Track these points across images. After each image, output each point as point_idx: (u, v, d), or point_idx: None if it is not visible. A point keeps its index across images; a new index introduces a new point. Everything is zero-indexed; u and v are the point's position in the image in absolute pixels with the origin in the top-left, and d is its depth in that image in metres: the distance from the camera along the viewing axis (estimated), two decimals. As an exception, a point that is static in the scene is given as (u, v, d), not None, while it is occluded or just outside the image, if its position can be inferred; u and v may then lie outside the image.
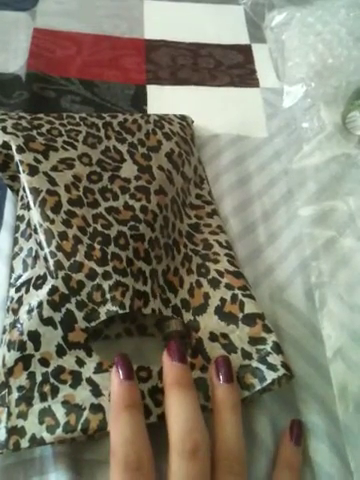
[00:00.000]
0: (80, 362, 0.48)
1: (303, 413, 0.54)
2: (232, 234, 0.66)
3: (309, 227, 0.69)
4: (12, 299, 0.53)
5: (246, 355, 0.50)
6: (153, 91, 0.84)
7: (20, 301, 0.51)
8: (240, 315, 0.53)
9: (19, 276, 0.54)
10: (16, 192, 0.62)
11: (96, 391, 0.46)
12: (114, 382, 0.45)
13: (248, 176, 0.74)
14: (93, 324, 0.48)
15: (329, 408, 0.54)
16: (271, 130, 0.80)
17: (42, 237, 0.51)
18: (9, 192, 0.64)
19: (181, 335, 0.55)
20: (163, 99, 0.83)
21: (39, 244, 0.52)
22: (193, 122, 0.76)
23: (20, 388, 0.47)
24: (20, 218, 0.58)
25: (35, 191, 0.53)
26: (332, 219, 0.70)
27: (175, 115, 0.74)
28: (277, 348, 0.51)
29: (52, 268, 0.49)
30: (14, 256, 0.57)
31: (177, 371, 0.46)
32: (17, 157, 0.56)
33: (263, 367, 0.49)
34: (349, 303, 0.62)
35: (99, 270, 0.50)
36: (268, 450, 0.50)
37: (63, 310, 0.48)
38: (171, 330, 0.55)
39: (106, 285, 0.50)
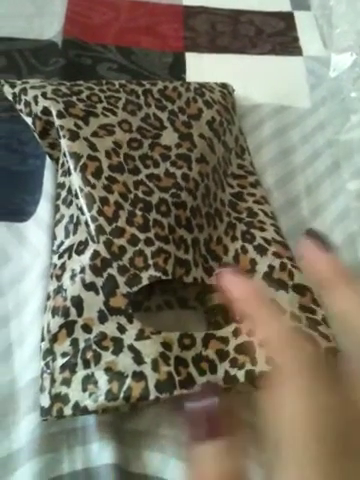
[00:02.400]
0: (121, 328, 0.49)
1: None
2: (275, 207, 0.66)
3: (356, 201, 0.68)
4: (55, 266, 0.54)
5: (296, 318, 0.50)
6: (192, 59, 0.83)
7: (63, 267, 0.52)
8: (290, 283, 0.53)
9: (61, 243, 0.55)
10: (55, 160, 0.63)
11: (138, 358, 0.47)
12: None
13: (291, 148, 0.73)
14: (135, 289, 0.49)
15: None
16: (315, 100, 0.79)
17: (83, 202, 0.52)
18: (48, 161, 0.65)
19: (223, 308, 0.55)
20: (202, 67, 0.82)
21: (80, 209, 0.52)
22: (234, 91, 0.76)
23: (64, 354, 0.48)
24: (61, 185, 0.59)
25: (76, 156, 0.54)
26: (380, 193, 0.69)
27: (216, 83, 0.74)
28: (326, 322, 0.51)
29: (93, 233, 0.50)
30: (56, 223, 0.58)
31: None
32: (57, 122, 0.57)
33: (315, 334, 0.49)
34: None
35: (141, 236, 0.51)
36: None
37: (105, 275, 0.49)
38: (213, 303, 0.56)
39: (148, 251, 0.50)
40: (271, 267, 0.54)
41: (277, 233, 0.58)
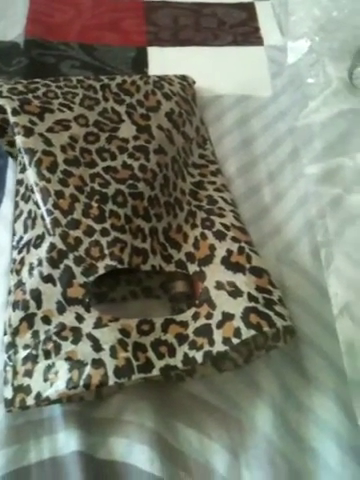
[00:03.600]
0: (80, 318, 0.49)
1: (309, 370, 0.54)
2: (237, 195, 0.66)
3: (315, 185, 0.69)
4: (15, 261, 0.55)
5: (252, 299, 0.51)
6: (154, 53, 0.84)
7: (22, 262, 0.53)
8: (247, 266, 0.54)
9: (21, 238, 0.56)
10: (15, 158, 0.64)
11: (97, 346, 0.48)
12: None
13: (252, 136, 0.74)
14: (91, 278, 0.50)
15: (336, 365, 0.55)
16: (276, 88, 0.80)
17: (38, 196, 0.52)
18: (10, 160, 0.66)
19: (187, 295, 0.56)
20: (165, 61, 0.83)
21: (36, 203, 0.53)
22: (195, 83, 0.76)
23: (25, 347, 0.49)
24: (19, 182, 0.60)
25: (30, 151, 0.55)
26: (339, 176, 0.69)
27: (175, 75, 0.74)
28: (282, 302, 0.52)
29: (49, 226, 0.51)
30: (15, 219, 0.59)
31: None
32: (12, 119, 0.57)
33: (271, 313, 0.50)
34: (356, 260, 0.62)
35: (97, 227, 0.52)
36: (273, 403, 0.52)
37: (62, 266, 0.50)
38: (177, 291, 0.57)
39: (104, 241, 0.51)
40: (229, 251, 0.55)
41: (236, 219, 0.59)
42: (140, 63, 0.82)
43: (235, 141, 0.73)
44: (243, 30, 0.89)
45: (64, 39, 0.84)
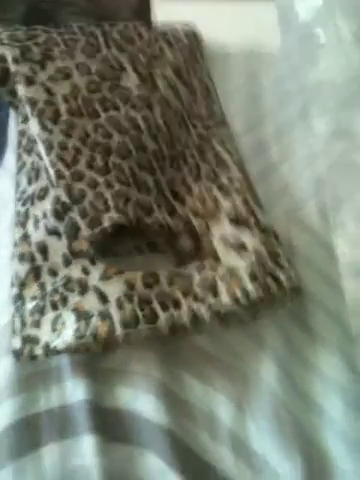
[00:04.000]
0: (85, 270, 0.49)
1: (314, 327, 0.54)
2: (244, 152, 0.64)
3: (325, 143, 0.67)
4: (19, 213, 0.54)
5: (260, 256, 0.51)
6: (158, 2, 0.80)
7: (27, 214, 0.52)
8: (252, 220, 0.53)
9: (24, 190, 0.55)
10: (16, 108, 0.62)
11: (103, 298, 0.48)
12: None
13: (261, 93, 0.72)
14: (96, 231, 0.49)
15: (342, 323, 0.55)
16: (286, 45, 0.77)
17: (41, 147, 0.51)
18: (13, 112, 0.64)
19: (191, 250, 0.55)
20: (169, 11, 0.79)
21: (39, 155, 0.52)
22: (199, 32, 0.73)
23: (33, 298, 0.49)
24: (21, 133, 0.58)
25: (32, 101, 0.53)
26: (349, 132, 0.68)
27: (179, 23, 0.71)
28: (290, 261, 0.52)
29: (53, 178, 0.50)
30: (18, 171, 0.57)
31: None
32: (13, 68, 0.55)
33: (279, 273, 0.50)
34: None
35: (100, 179, 0.51)
36: (278, 358, 0.52)
37: (66, 219, 0.49)
38: (181, 245, 0.56)
39: (108, 194, 0.50)
40: (235, 206, 0.54)
41: (241, 172, 0.58)
42: (143, 12, 0.79)
43: (244, 97, 0.71)
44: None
45: (63, -15, 0.80)
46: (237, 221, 0.53)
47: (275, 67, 0.75)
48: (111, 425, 0.48)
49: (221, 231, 0.53)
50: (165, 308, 0.48)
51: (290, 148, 0.67)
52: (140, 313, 0.47)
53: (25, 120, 0.56)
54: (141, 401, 0.49)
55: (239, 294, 0.48)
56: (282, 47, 0.77)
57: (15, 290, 0.50)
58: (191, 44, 0.69)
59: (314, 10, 0.77)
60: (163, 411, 0.48)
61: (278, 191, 0.63)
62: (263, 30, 0.79)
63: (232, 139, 0.63)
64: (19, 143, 0.58)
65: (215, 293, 0.49)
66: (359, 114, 0.69)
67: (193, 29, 0.72)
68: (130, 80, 0.59)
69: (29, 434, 0.47)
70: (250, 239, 0.52)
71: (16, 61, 0.55)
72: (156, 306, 0.48)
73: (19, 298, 0.50)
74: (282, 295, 0.50)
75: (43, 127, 0.52)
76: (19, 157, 0.58)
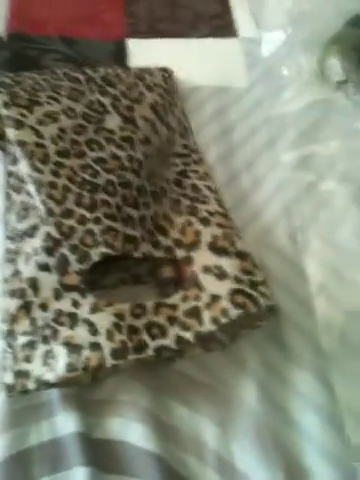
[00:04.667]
0: (76, 304, 0.50)
1: (289, 345, 0.56)
2: (217, 182, 0.67)
3: (291, 172, 0.70)
4: (9, 250, 0.54)
5: (238, 280, 0.52)
6: (133, 45, 0.83)
7: (17, 251, 0.53)
8: (232, 250, 0.55)
9: (14, 228, 0.55)
10: (3, 150, 0.63)
11: (93, 330, 0.48)
12: None
13: (231, 126, 0.74)
14: (86, 266, 0.50)
15: (314, 340, 0.57)
16: (251, 79, 0.80)
17: (32, 187, 0.52)
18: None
19: (174, 281, 0.57)
20: (143, 53, 0.82)
21: (29, 194, 0.53)
22: (174, 74, 0.76)
23: (24, 333, 0.49)
24: (10, 173, 0.59)
25: (22, 144, 0.54)
26: (313, 163, 0.70)
27: (156, 67, 0.74)
28: (266, 283, 0.53)
29: (44, 215, 0.51)
30: (7, 210, 0.58)
31: None
32: (3, 112, 0.56)
33: (255, 293, 0.52)
34: (331, 241, 0.64)
35: (89, 216, 0.52)
36: (258, 378, 0.53)
37: (57, 255, 0.50)
38: (164, 276, 0.57)
39: (97, 229, 0.51)
40: (215, 237, 0.56)
41: (219, 205, 0.60)
42: (120, 55, 0.81)
43: (214, 130, 0.73)
44: (218, 22, 0.88)
45: (46, 32, 0.82)
46: (217, 250, 0.55)
47: (242, 101, 0.77)
48: (103, 456, 0.48)
49: (203, 260, 0.54)
50: (153, 337, 0.49)
51: (259, 178, 0.69)
52: (130, 344, 0.47)
53: (14, 161, 0.57)
54: (131, 430, 0.49)
55: (219, 315, 0.50)
56: (248, 81, 0.79)
57: (6, 326, 0.50)
58: (168, 86, 0.71)
59: (276, 46, 0.80)
60: (152, 438, 0.48)
61: (249, 217, 0.65)
62: (230, 65, 0.82)
63: (209, 175, 0.66)
64: (7, 183, 0.59)
65: (200, 321, 0.50)
66: (320, 145, 0.72)
67: (169, 72, 0.74)
68: (113, 122, 0.61)
69: (21, 469, 0.47)
70: (229, 266, 0.54)
71: (5, 105, 0.57)
72: (145, 336, 0.49)
73: (10, 334, 0.49)
74: (258, 313, 0.52)
75: (33, 167, 0.53)
76: (8, 196, 0.58)
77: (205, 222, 0.57)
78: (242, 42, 0.85)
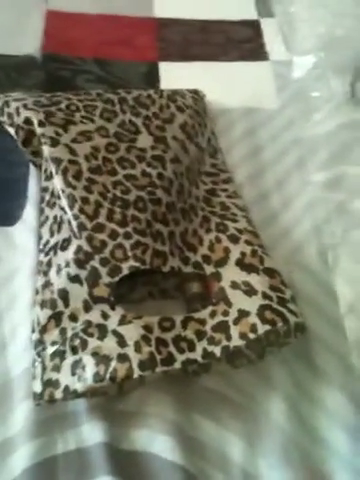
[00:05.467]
0: (105, 315, 0.52)
1: (319, 365, 0.57)
2: (247, 201, 0.69)
3: (321, 192, 0.72)
4: (42, 263, 0.57)
5: (267, 297, 0.54)
6: (165, 68, 0.87)
7: (49, 263, 0.56)
8: (260, 267, 0.57)
9: (47, 241, 0.59)
10: (38, 167, 0.67)
11: (122, 342, 0.51)
12: None
13: (260, 146, 0.77)
14: (116, 278, 0.53)
15: (343, 359, 0.58)
16: (282, 101, 0.83)
17: (65, 202, 0.56)
18: (32, 168, 0.69)
19: (201, 296, 0.59)
20: (175, 76, 0.86)
21: (62, 209, 0.56)
22: (205, 96, 0.80)
23: (53, 343, 0.52)
24: (44, 189, 0.63)
25: (57, 161, 0.58)
26: (343, 183, 0.73)
27: (187, 90, 0.78)
28: (295, 300, 0.55)
29: (76, 229, 0.54)
30: (41, 224, 0.61)
31: None
32: (39, 131, 0.61)
33: (284, 310, 0.53)
34: (361, 261, 0.66)
35: (120, 230, 0.55)
36: (285, 394, 0.54)
37: (88, 267, 0.53)
38: (192, 292, 0.60)
39: (127, 244, 0.54)
40: (243, 253, 0.58)
41: (248, 223, 0.62)
42: (152, 77, 0.86)
43: (244, 151, 0.76)
44: (249, 46, 0.93)
45: (79, 54, 0.87)
46: (246, 267, 0.57)
47: (272, 121, 0.80)
48: (128, 467, 0.49)
49: (231, 276, 0.57)
50: (181, 351, 0.51)
51: (289, 197, 0.72)
52: (158, 356, 0.50)
53: (49, 177, 0.61)
54: (157, 442, 0.51)
55: (247, 331, 0.52)
56: (278, 103, 0.83)
57: (36, 335, 0.53)
58: (198, 107, 0.75)
59: (307, 69, 0.83)
60: (178, 451, 0.50)
61: (279, 236, 0.67)
62: (260, 87, 0.86)
63: (238, 194, 0.68)
64: (42, 198, 0.63)
65: (228, 336, 0.52)
66: (351, 166, 0.74)
67: (199, 94, 0.78)
68: (145, 141, 0.65)
69: (47, 477, 0.48)
70: (258, 282, 0.56)
71: (41, 124, 0.61)
72: (173, 349, 0.51)
73: (40, 343, 0.52)
74: (287, 331, 0.53)
75: (67, 183, 0.56)
76: (42, 211, 0.62)
77: (234, 239, 0.60)
78: (273, 65, 0.89)
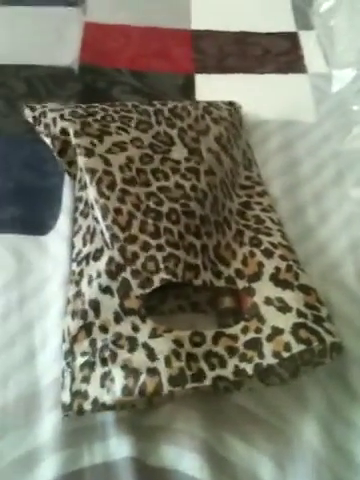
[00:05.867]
0: (135, 328, 0.52)
1: (355, 386, 0.56)
2: (282, 215, 0.69)
3: (360, 208, 0.71)
4: (74, 272, 0.58)
5: (301, 315, 0.53)
6: (201, 80, 0.88)
7: (81, 273, 0.57)
8: (295, 283, 0.56)
9: (79, 251, 0.60)
10: (73, 177, 0.68)
11: (151, 355, 0.51)
12: None
13: (297, 160, 0.77)
14: (148, 290, 0.53)
15: None
16: (320, 114, 0.83)
17: (98, 212, 0.56)
18: (67, 178, 0.70)
19: (233, 311, 0.59)
20: (211, 87, 0.87)
21: (96, 219, 0.57)
22: (241, 108, 0.80)
23: (83, 354, 0.52)
24: (79, 199, 0.64)
25: (91, 171, 0.59)
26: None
27: (223, 101, 0.78)
28: (331, 319, 0.54)
29: (108, 240, 0.55)
30: (74, 234, 0.63)
31: None
32: (74, 141, 0.62)
33: (320, 329, 0.52)
34: None
35: (153, 242, 0.55)
36: (319, 415, 0.53)
37: (119, 278, 0.53)
38: (224, 306, 0.60)
39: (159, 256, 0.54)
40: (277, 269, 0.57)
41: (283, 238, 0.62)
42: (188, 89, 0.86)
43: (280, 164, 0.76)
44: (287, 58, 0.93)
45: (116, 65, 0.89)
46: (280, 282, 0.57)
47: (310, 135, 0.80)
48: None
49: (264, 292, 0.56)
50: (212, 367, 0.51)
51: (326, 212, 0.71)
52: (188, 372, 0.49)
53: (83, 187, 0.62)
54: (185, 459, 0.50)
55: (281, 349, 0.51)
56: (316, 116, 0.82)
57: (66, 345, 0.53)
58: (233, 119, 0.75)
59: (346, 82, 0.82)
60: (207, 470, 0.49)
61: (315, 252, 0.67)
62: (297, 100, 0.86)
63: (273, 208, 0.68)
64: (76, 208, 0.64)
65: (261, 354, 0.51)
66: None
67: (235, 106, 0.78)
68: (179, 153, 0.65)
69: None
70: (292, 299, 0.55)
71: (77, 135, 0.62)
72: (203, 365, 0.51)
73: (70, 353, 0.53)
74: (323, 350, 0.52)
75: (101, 194, 0.57)
76: (76, 221, 0.63)
77: (268, 254, 0.59)
78: (311, 78, 0.89)
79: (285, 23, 0.99)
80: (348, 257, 0.66)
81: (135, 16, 0.97)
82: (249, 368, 0.51)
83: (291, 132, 0.80)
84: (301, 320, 0.53)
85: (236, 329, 0.54)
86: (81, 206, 0.63)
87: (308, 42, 0.95)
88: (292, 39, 0.96)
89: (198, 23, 0.97)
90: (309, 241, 0.68)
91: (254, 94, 0.86)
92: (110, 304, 0.53)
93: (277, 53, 0.94)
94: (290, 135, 0.80)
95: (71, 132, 0.63)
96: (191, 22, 0.98)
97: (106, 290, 0.53)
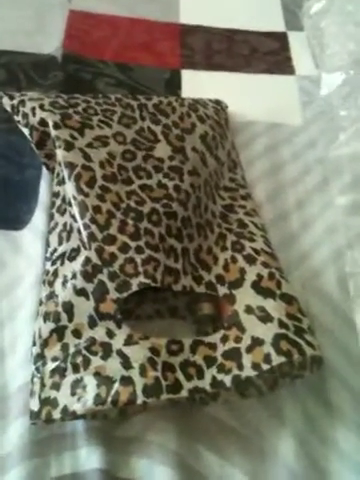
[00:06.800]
0: (110, 334, 0.50)
1: (333, 401, 0.54)
2: (265, 220, 0.67)
3: (344, 216, 0.69)
4: (48, 272, 0.55)
5: (283, 325, 0.51)
6: (188, 76, 0.85)
7: (55, 273, 0.54)
8: (278, 292, 0.54)
9: (55, 250, 0.56)
10: (51, 170, 0.65)
11: (126, 363, 0.48)
12: None
13: (282, 163, 0.75)
14: (124, 295, 0.50)
15: None
16: (306, 118, 0.81)
17: (76, 210, 0.53)
18: (44, 171, 0.67)
19: (212, 318, 0.56)
20: (197, 84, 0.84)
21: (73, 217, 0.54)
22: (227, 107, 0.78)
23: (54, 359, 0.49)
24: (56, 194, 0.61)
25: (70, 165, 0.56)
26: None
27: (209, 99, 0.75)
28: (312, 331, 0.52)
29: (85, 240, 0.52)
30: (50, 231, 0.59)
31: None
32: (53, 133, 0.59)
33: (301, 341, 0.50)
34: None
35: (132, 244, 0.52)
36: (297, 433, 0.51)
37: (95, 281, 0.51)
38: (203, 313, 0.57)
39: (138, 259, 0.52)
40: (260, 276, 0.55)
41: (266, 244, 0.60)
42: (174, 85, 0.83)
43: (264, 167, 0.74)
44: (275, 59, 0.90)
45: (101, 57, 0.85)
46: (262, 290, 0.54)
47: (295, 139, 0.78)
48: None
49: (246, 300, 0.54)
50: (189, 378, 0.48)
51: (309, 219, 0.69)
52: (164, 382, 0.47)
53: (61, 182, 0.58)
54: (157, 473, 0.48)
55: (261, 361, 0.49)
56: (303, 120, 0.80)
57: (37, 349, 0.50)
58: (220, 119, 0.73)
59: (335, 86, 0.80)
60: None
61: (297, 259, 0.65)
62: (284, 102, 0.83)
63: (256, 212, 0.66)
64: (53, 204, 0.61)
65: (240, 365, 0.49)
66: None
67: (222, 105, 0.76)
68: (163, 151, 0.62)
69: None
70: (274, 309, 0.53)
71: (57, 126, 0.59)
72: (180, 376, 0.48)
73: (40, 358, 0.50)
74: (303, 363, 0.50)
75: (79, 190, 0.54)
76: (52, 217, 0.60)
77: (250, 260, 0.57)
78: (299, 80, 0.87)
79: (275, 23, 0.96)
80: (330, 266, 0.65)
81: (123, 6, 0.94)
82: (227, 380, 0.48)
83: (277, 135, 0.78)
84: (282, 331, 0.51)
85: (215, 337, 0.52)
86: (58, 202, 0.60)
87: (297, 43, 0.93)
88: (281, 39, 0.94)
89: (187, 17, 0.94)
90: (291, 248, 0.66)
91: (241, 93, 0.84)
92: (85, 307, 0.50)
93: (265, 52, 0.91)
94: (276, 138, 0.78)
95: (50, 123, 0.59)
96: (179, 16, 0.94)
97: (81, 292, 0.51)
